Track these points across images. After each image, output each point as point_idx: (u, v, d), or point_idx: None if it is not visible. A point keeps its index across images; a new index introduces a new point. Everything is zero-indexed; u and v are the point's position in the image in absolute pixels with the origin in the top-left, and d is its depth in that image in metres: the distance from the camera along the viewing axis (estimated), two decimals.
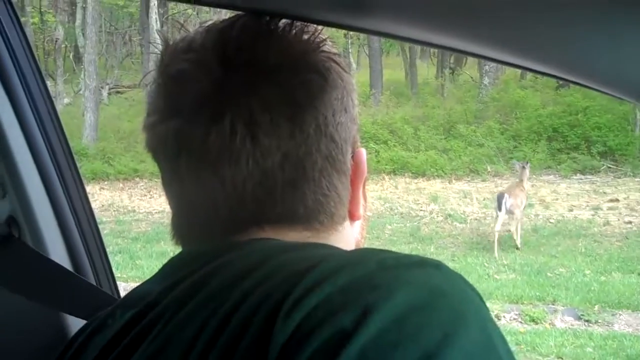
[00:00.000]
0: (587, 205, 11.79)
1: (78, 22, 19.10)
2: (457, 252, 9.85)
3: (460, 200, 12.38)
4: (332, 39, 0.75)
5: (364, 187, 0.79)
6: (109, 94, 20.52)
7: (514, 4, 0.64)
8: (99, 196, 13.11)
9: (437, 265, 0.56)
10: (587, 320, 7.30)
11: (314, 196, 0.70)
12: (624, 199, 11.93)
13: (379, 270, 0.54)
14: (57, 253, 1.32)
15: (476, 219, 11.48)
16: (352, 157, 0.75)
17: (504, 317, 7.47)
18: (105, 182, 14.08)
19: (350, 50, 19.12)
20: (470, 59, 22.34)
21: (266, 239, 0.67)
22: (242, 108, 0.66)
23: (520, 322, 7.36)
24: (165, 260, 0.72)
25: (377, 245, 9.60)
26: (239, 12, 0.74)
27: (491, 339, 0.51)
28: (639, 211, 11.35)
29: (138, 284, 0.73)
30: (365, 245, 0.82)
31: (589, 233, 10.55)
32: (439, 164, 13.93)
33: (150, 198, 12.87)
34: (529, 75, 19.05)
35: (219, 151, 0.66)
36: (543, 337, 6.78)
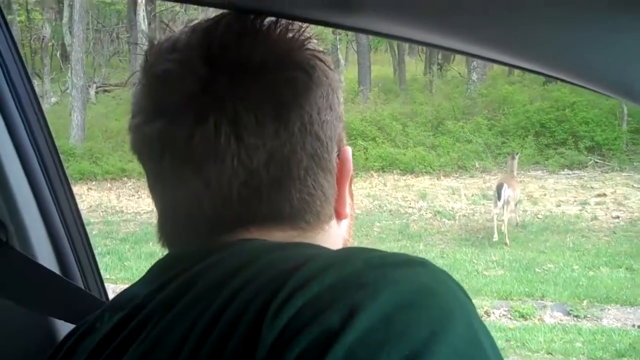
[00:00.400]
0: (575, 201, 11.84)
1: (65, 19, 18.92)
2: (446, 249, 9.87)
3: (449, 197, 12.40)
4: (318, 36, 0.75)
5: (350, 186, 0.79)
6: (97, 92, 20.39)
7: (502, 3, 0.64)
8: (87, 197, 13.04)
9: (423, 264, 0.57)
10: (576, 316, 7.35)
11: (300, 195, 0.70)
12: (611, 194, 11.99)
13: (366, 269, 0.55)
14: (45, 256, 1.31)
15: (465, 215, 11.51)
16: (338, 155, 0.75)
17: (493, 313, 7.50)
18: (93, 183, 14.00)
19: (338, 47, 19.10)
20: (459, 55, 22.38)
21: (253, 239, 0.67)
22: (226, 108, 0.66)
23: (510, 318, 7.39)
24: (154, 261, 0.72)
25: (366, 243, 9.61)
26: (224, 11, 0.74)
27: (477, 335, 0.52)
28: (626, 206, 11.42)
29: (127, 285, 0.73)
30: (354, 244, 0.82)
31: (576, 228, 10.60)
32: (428, 161, 13.95)
33: (139, 198, 12.82)
34: (517, 71, 19.12)
35: (204, 152, 0.66)
36: (532, 333, 6.82)
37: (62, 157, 1.43)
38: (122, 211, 12.49)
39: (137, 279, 0.72)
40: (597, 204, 11.60)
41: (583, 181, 12.84)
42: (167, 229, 0.74)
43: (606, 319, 7.29)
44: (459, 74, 20.82)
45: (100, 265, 1.45)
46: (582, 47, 0.74)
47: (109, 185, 13.92)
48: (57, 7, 21.11)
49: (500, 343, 6.19)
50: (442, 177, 13.59)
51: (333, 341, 0.48)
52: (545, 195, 12.21)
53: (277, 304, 0.52)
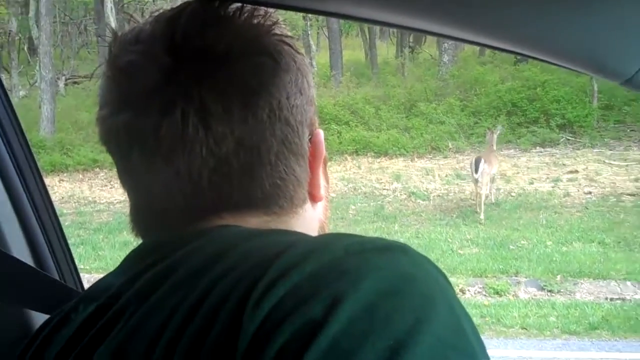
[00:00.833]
0: (548, 178, 11.98)
1: (31, 13, 18.63)
2: (421, 229, 9.95)
3: (423, 178, 12.47)
4: (288, 22, 0.75)
5: (324, 168, 0.79)
6: (66, 84, 20.11)
7: None
8: (59, 188, 12.92)
9: (404, 249, 0.56)
10: (549, 291, 7.48)
11: (272, 180, 0.69)
12: (583, 170, 12.16)
13: (347, 256, 0.54)
14: (19, 249, 1.31)
15: (439, 196, 11.60)
16: (310, 139, 0.75)
17: (468, 290, 7.60)
18: (65, 174, 13.85)
19: (309, 33, 19.06)
20: (430, 37, 22.43)
21: (228, 225, 0.67)
22: (192, 97, 0.65)
23: (485, 295, 7.50)
24: (128, 251, 0.72)
25: (341, 225, 9.65)
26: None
27: (460, 322, 0.52)
28: (597, 181, 11.58)
29: (102, 275, 0.74)
30: (330, 226, 0.83)
31: (549, 205, 10.74)
32: (401, 143, 13.99)
33: (111, 188, 12.72)
34: (488, 51, 19.23)
35: (172, 142, 0.66)
36: (507, 309, 6.93)
37: (32, 149, 1.43)
38: (94, 201, 12.40)
39: (112, 268, 0.72)
40: (569, 180, 11.76)
41: (555, 158, 12.99)
42: (140, 219, 0.74)
43: (579, 293, 7.43)
44: (431, 56, 20.88)
45: (74, 256, 1.45)
46: (554, 25, 0.74)
47: (80, 176, 13.78)
48: (22, 1, 20.74)
49: (475, 320, 6.25)
50: (415, 159, 13.65)
51: (317, 332, 0.47)
52: (518, 173, 12.34)
53: (258, 293, 0.51)
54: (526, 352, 5.93)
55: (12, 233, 1.31)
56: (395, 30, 23.45)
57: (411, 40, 21.93)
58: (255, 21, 0.71)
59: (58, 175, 13.74)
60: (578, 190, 11.29)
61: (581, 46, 0.79)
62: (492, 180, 10.99)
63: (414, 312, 0.49)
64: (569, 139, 13.93)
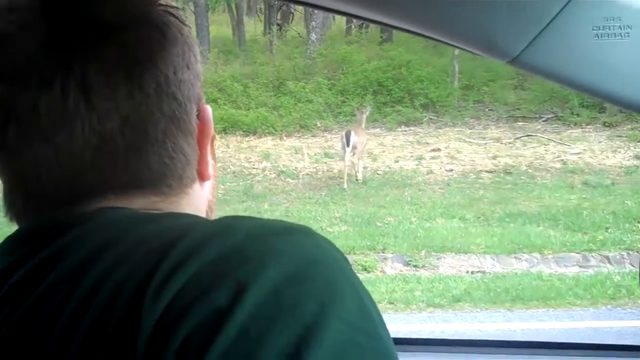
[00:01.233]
0: (412, 156, 12.35)
1: None
2: (291, 208, 9.96)
3: (292, 157, 12.52)
4: None
5: (212, 146, 0.76)
6: None
7: None
8: None
9: (306, 232, 0.56)
10: (414, 266, 7.69)
11: (160, 159, 0.66)
12: (445, 148, 12.63)
13: (248, 239, 0.53)
14: None
15: (308, 174, 11.67)
16: (198, 115, 0.71)
17: None
18: None
19: None
20: (297, 15, 22.51)
21: (115, 207, 0.63)
22: (73, 70, 0.61)
23: None
24: None
25: None
26: None
27: (365, 304, 0.52)
28: (458, 159, 12.07)
29: None
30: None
31: (413, 182, 11.07)
32: (270, 121, 13.97)
33: None
34: (354, 30, 19.56)
35: (51, 118, 0.61)
36: (375, 284, 7.05)
37: None
38: None
39: None
40: (432, 158, 12.18)
41: (419, 137, 13.42)
42: (16, 201, 0.68)
43: (442, 268, 7.69)
44: (298, 34, 20.95)
45: None
46: (447, 6, 0.78)
47: None
48: None
49: None
50: (284, 138, 13.68)
51: (223, 320, 0.46)
52: (384, 151, 12.64)
53: (157, 282, 0.49)
54: (394, 326, 6.05)
55: None
56: (262, 6, 23.37)
57: (279, 17, 21.89)
58: None
59: None
60: (440, 168, 11.71)
61: (470, 26, 0.81)
62: (361, 157, 11.31)
63: (320, 296, 0.49)
64: (431, 118, 14.44)
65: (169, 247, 0.52)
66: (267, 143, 13.29)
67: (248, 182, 11.21)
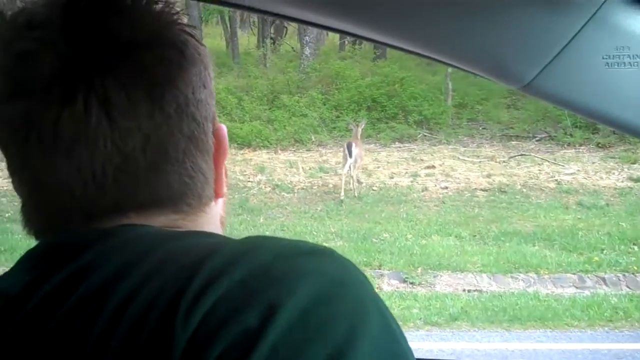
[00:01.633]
0: (407, 172, 12.36)
1: None
2: (287, 222, 9.93)
3: (287, 170, 12.49)
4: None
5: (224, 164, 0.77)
6: None
7: None
8: None
9: (330, 253, 0.57)
10: (411, 283, 7.67)
11: (180, 178, 0.67)
12: (439, 166, 12.66)
13: (276, 259, 0.54)
14: None
15: (303, 188, 11.64)
16: (213, 133, 0.73)
17: None
18: None
19: None
20: (290, 29, 22.57)
21: (136, 225, 0.64)
22: (94, 86, 0.61)
23: None
24: None
25: None
26: None
27: (390, 325, 0.54)
28: (453, 177, 12.09)
29: None
30: None
31: (409, 199, 11.06)
32: (264, 135, 13.97)
33: None
34: (348, 46, 19.65)
35: (73, 134, 0.61)
36: None
37: None
38: None
39: None
40: (427, 175, 12.19)
41: (413, 154, 13.45)
42: (36, 216, 0.69)
43: (439, 285, 7.66)
44: (292, 48, 21.04)
45: None
46: (461, 32, 0.79)
47: None
48: None
49: None
50: (279, 151, 13.67)
51: (255, 341, 0.47)
52: (379, 167, 12.64)
53: (187, 300, 0.50)
54: None
55: None
56: (256, 19, 23.42)
57: (272, 31, 21.95)
58: (158, 9, 0.68)
59: None
60: (435, 185, 11.72)
61: (483, 53, 0.83)
62: (358, 170, 11.46)
63: (349, 318, 0.51)
64: (425, 135, 14.49)
65: (199, 265, 0.53)
66: (261, 156, 13.27)
67: (243, 195, 11.17)
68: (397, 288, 7.60)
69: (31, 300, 0.58)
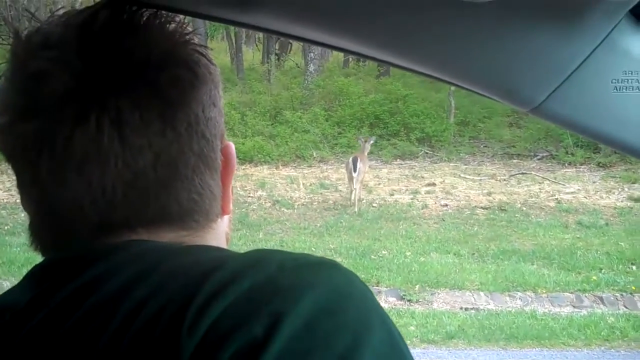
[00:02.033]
0: (407, 190, 12.35)
1: None
2: (286, 238, 9.93)
3: (288, 186, 12.50)
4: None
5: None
6: None
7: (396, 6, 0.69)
8: None
9: (335, 265, 0.58)
10: (409, 300, 7.66)
11: (189, 195, 0.68)
12: (440, 183, 12.65)
13: (280, 272, 0.55)
14: None
15: (303, 205, 11.64)
16: (221, 151, 0.74)
17: None
18: None
19: None
20: (295, 46, 22.66)
21: (144, 240, 0.65)
22: (108, 106, 0.62)
23: None
24: None
25: None
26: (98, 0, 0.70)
27: (394, 336, 0.54)
28: (453, 194, 12.08)
29: None
30: None
31: (408, 216, 11.05)
32: (266, 150, 13.98)
33: None
34: (352, 63, 19.72)
35: (85, 152, 0.62)
36: None
37: None
38: None
39: None
40: (427, 192, 12.18)
41: (414, 171, 13.45)
42: (45, 232, 0.70)
43: (436, 303, 7.66)
44: (296, 64, 21.09)
45: None
46: (468, 52, 0.79)
47: None
48: None
49: None
50: (280, 167, 13.68)
51: (261, 350, 0.48)
52: (379, 184, 12.64)
53: (192, 312, 0.51)
54: None
55: None
56: (261, 36, 23.52)
57: (277, 47, 22.03)
58: (171, 30, 0.70)
59: None
60: (435, 203, 11.71)
61: (493, 74, 0.83)
62: (360, 186, 11.55)
63: (352, 329, 0.51)
64: (427, 153, 14.49)
65: (204, 278, 0.54)
66: (263, 172, 13.28)
67: (243, 210, 11.17)
68: (395, 305, 7.59)
69: (38, 314, 0.59)
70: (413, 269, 8.51)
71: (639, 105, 0.80)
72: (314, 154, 14.20)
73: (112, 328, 0.53)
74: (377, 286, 7.93)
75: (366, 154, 11.93)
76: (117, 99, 0.62)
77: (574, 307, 7.48)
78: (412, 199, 11.88)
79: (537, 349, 6.37)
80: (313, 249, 9.30)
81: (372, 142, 12.30)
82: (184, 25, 0.71)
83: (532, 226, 10.44)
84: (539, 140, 14.70)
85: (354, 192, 11.29)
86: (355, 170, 11.16)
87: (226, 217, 0.78)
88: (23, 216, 0.79)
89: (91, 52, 0.64)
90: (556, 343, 6.45)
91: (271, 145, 14.26)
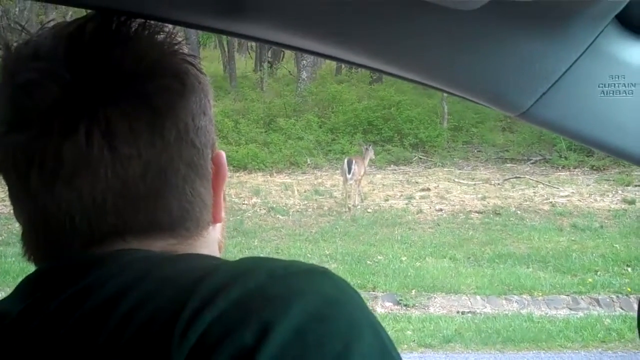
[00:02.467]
0: (402, 195, 12.37)
1: None
2: (281, 245, 9.92)
3: (282, 193, 12.50)
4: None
5: (223, 189, 0.78)
6: None
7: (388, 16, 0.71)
8: None
9: (325, 272, 0.58)
10: (405, 305, 7.64)
11: (179, 204, 0.68)
12: (434, 188, 12.67)
13: (271, 280, 0.55)
14: None
15: (298, 211, 11.64)
16: (212, 159, 0.74)
17: None
18: None
19: None
20: (288, 53, 22.69)
21: (134, 249, 0.65)
22: (97, 117, 0.62)
23: None
24: None
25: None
26: (88, 12, 0.71)
27: (383, 341, 0.54)
28: (448, 199, 12.10)
29: None
30: None
31: (403, 221, 11.06)
32: (260, 157, 13.99)
33: None
34: (344, 70, 19.75)
35: (75, 163, 0.62)
36: None
37: None
38: None
39: None
40: (422, 197, 12.20)
41: (408, 176, 13.47)
42: (36, 242, 0.70)
43: (433, 307, 7.65)
44: (289, 72, 21.12)
45: None
46: (457, 59, 0.81)
47: None
48: None
49: None
50: (275, 174, 13.69)
51: (251, 358, 0.48)
52: (374, 190, 12.66)
53: (183, 322, 0.51)
54: None
55: None
56: (253, 44, 23.56)
57: (270, 55, 22.07)
58: (160, 40, 0.70)
59: None
60: (430, 208, 11.73)
61: (481, 80, 0.84)
62: (357, 190, 11.67)
63: (342, 335, 0.51)
64: (421, 158, 14.52)
65: (194, 287, 0.54)
66: (257, 179, 13.29)
67: (238, 217, 11.16)
68: (391, 310, 7.58)
69: (31, 323, 0.59)
70: (409, 273, 8.51)
71: (626, 109, 0.81)
72: (308, 160, 14.21)
73: (104, 337, 0.53)
74: (374, 291, 7.92)
75: (367, 158, 12.16)
76: (106, 110, 0.62)
77: (570, 309, 7.49)
78: (406, 204, 11.90)
79: (534, 351, 6.36)
80: (308, 256, 9.29)
81: (371, 150, 12.61)
82: (173, 36, 0.71)
83: (527, 230, 10.47)
84: (533, 145, 14.75)
85: (347, 194, 11.41)
86: (349, 172, 11.30)
87: (218, 225, 0.78)
88: (17, 226, 0.80)
89: (80, 62, 0.64)
90: (553, 345, 6.45)
91: (265, 152, 14.28)
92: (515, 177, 13.24)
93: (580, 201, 11.78)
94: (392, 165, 14.18)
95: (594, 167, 13.45)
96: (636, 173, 12.53)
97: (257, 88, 18.92)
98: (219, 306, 0.52)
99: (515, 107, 0.84)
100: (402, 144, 14.89)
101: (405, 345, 6.49)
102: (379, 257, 9.23)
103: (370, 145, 12.74)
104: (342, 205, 11.41)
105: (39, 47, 0.67)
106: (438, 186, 12.78)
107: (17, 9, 17.19)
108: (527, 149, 14.62)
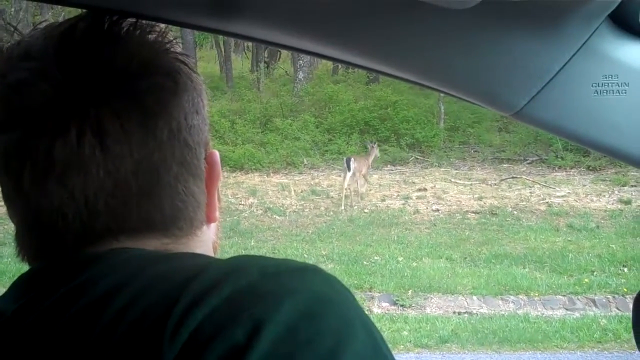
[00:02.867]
0: (398, 195, 12.38)
1: None
2: (278, 245, 9.92)
3: (279, 193, 12.50)
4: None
5: (217, 189, 0.77)
6: None
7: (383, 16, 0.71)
8: None
9: (316, 270, 0.58)
10: (402, 305, 7.65)
11: (172, 203, 0.68)
12: (431, 188, 12.68)
13: (262, 278, 0.55)
14: None
15: (295, 211, 11.65)
16: (205, 159, 0.74)
17: None
18: None
19: None
20: (284, 54, 22.70)
21: (127, 248, 0.65)
22: (88, 116, 0.62)
23: None
24: None
25: None
26: (79, 12, 0.71)
27: (376, 339, 0.54)
28: (444, 199, 12.11)
29: None
30: None
31: (400, 221, 11.07)
32: (257, 158, 13.99)
33: None
34: (341, 70, 19.76)
35: (66, 162, 0.62)
36: None
37: None
38: None
39: None
40: (419, 198, 12.22)
41: (405, 176, 13.48)
42: (30, 242, 0.70)
43: (429, 307, 7.66)
44: (286, 72, 21.13)
45: None
46: (452, 60, 0.81)
47: None
48: None
49: None
50: (271, 174, 13.69)
51: (242, 356, 0.48)
52: (370, 190, 12.66)
53: (174, 320, 0.51)
54: None
55: None
56: (250, 44, 23.56)
57: (266, 55, 22.06)
58: (152, 39, 0.70)
59: None
60: (427, 208, 11.74)
61: (475, 80, 0.85)
62: (357, 188, 11.75)
63: (334, 333, 0.51)
64: (417, 158, 14.53)
65: (186, 285, 0.54)
66: (254, 179, 13.28)
67: (235, 218, 11.16)
68: (388, 310, 7.58)
69: (24, 322, 0.59)
70: (405, 274, 8.51)
71: (619, 109, 0.81)
72: (305, 161, 14.21)
73: (97, 333, 0.53)
74: (370, 291, 7.93)
75: (371, 156, 12.36)
76: (98, 109, 0.62)
77: (566, 309, 7.50)
78: (403, 204, 11.90)
79: (530, 352, 6.37)
80: (305, 256, 9.30)
81: (375, 149, 12.75)
82: (165, 34, 0.71)
83: (523, 230, 10.48)
84: (529, 145, 14.78)
85: (345, 194, 11.47)
86: (349, 169, 11.47)
87: (213, 226, 0.78)
88: (13, 227, 0.80)
89: (71, 62, 0.64)
90: (549, 346, 6.46)
91: (262, 152, 14.28)
92: (512, 177, 13.25)
93: (576, 201, 11.80)
94: (388, 166, 14.19)
95: (591, 168, 13.47)
96: (632, 173, 12.55)
97: (253, 88, 18.90)
98: (211, 303, 0.51)
99: (509, 106, 0.84)
100: (399, 144, 14.89)
101: (402, 346, 6.50)
102: (375, 258, 9.24)
103: (375, 143, 12.83)
104: (339, 205, 11.40)
105: (30, 47, 0.67)
106: (435, 186, 12.79)
107: (12, 10, 17.18)
108: (524, 149, 14.65)
